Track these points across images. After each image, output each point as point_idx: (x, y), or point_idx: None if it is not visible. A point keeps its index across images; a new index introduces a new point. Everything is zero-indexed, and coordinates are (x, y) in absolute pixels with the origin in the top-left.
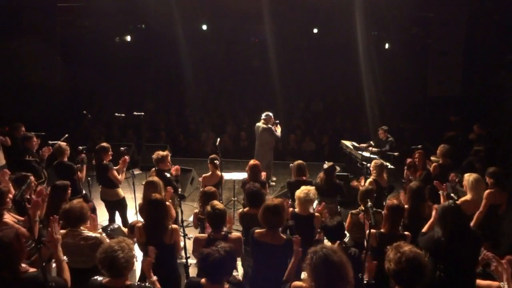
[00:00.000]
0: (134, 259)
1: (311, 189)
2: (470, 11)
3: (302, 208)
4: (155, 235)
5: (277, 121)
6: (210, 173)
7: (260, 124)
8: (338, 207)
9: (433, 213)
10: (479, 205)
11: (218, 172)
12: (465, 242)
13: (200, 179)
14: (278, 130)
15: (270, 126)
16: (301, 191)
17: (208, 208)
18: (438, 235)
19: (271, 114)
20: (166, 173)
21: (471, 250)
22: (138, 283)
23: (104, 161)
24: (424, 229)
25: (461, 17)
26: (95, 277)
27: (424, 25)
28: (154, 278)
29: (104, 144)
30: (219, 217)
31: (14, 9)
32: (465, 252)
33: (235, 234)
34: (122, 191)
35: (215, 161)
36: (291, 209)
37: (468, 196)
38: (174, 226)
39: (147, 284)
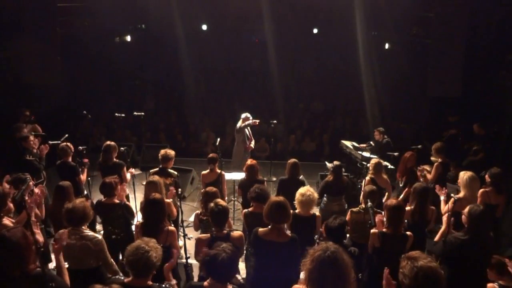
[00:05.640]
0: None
1: (312, 189)
2: (470, 11)
3: (305, 209)
4: (150, 234)
5: (275, 121)
6: (208, 170)
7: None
8: (346, 205)
9: (444, 220)
10: (472, 203)
11: (217, 170)
12: (486, 245)
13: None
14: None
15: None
16: (303, 192)
17: (212, 205)
18: (460, 240)
19: (248, 115)
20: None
21: (488, 254)
22: (157, 284)
23: (115, 160)
24: (436, 238)
25: (461, 17)
26: (116, 277)
27: (424, 25)
28: (174, 281)
29: (111, 142)
30: (221, 214)
31: (14, 9)
32: (484, 255)
33: (237, 232)
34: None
35: (214, 158)
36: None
37: (461, 194)
38: (172, 228)
39: (166, 285)
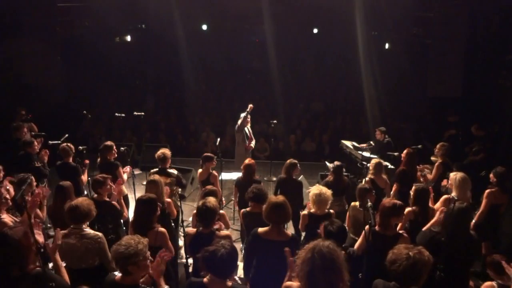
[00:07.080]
0: (147, 261)
1: (324, 188)
2: (470, 11)
3: (321, 208)
4: (139, 233)
5: (275, 121)
6: (202, 169)
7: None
8: (346, 206)
9: (437, 213)
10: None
11: (210, 169)
12: (465, 243)
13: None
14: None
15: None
16: (317, 192)
17: (200, 203)
18: (433, 233)
19: (242, 115)
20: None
21: (468, 252)
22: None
23: (110, 159)
24: (424, 229)
25: (461, 17)
26: (112, 273)
27: (424, 25)
28: (166, 287)
29: (108, 142)
30: (208, 213)
31: (14, 9)
32: (462, 253)
33: (224, 232)
34: (125, 189)
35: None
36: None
37: (453, 194)
38: (162, 229)
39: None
